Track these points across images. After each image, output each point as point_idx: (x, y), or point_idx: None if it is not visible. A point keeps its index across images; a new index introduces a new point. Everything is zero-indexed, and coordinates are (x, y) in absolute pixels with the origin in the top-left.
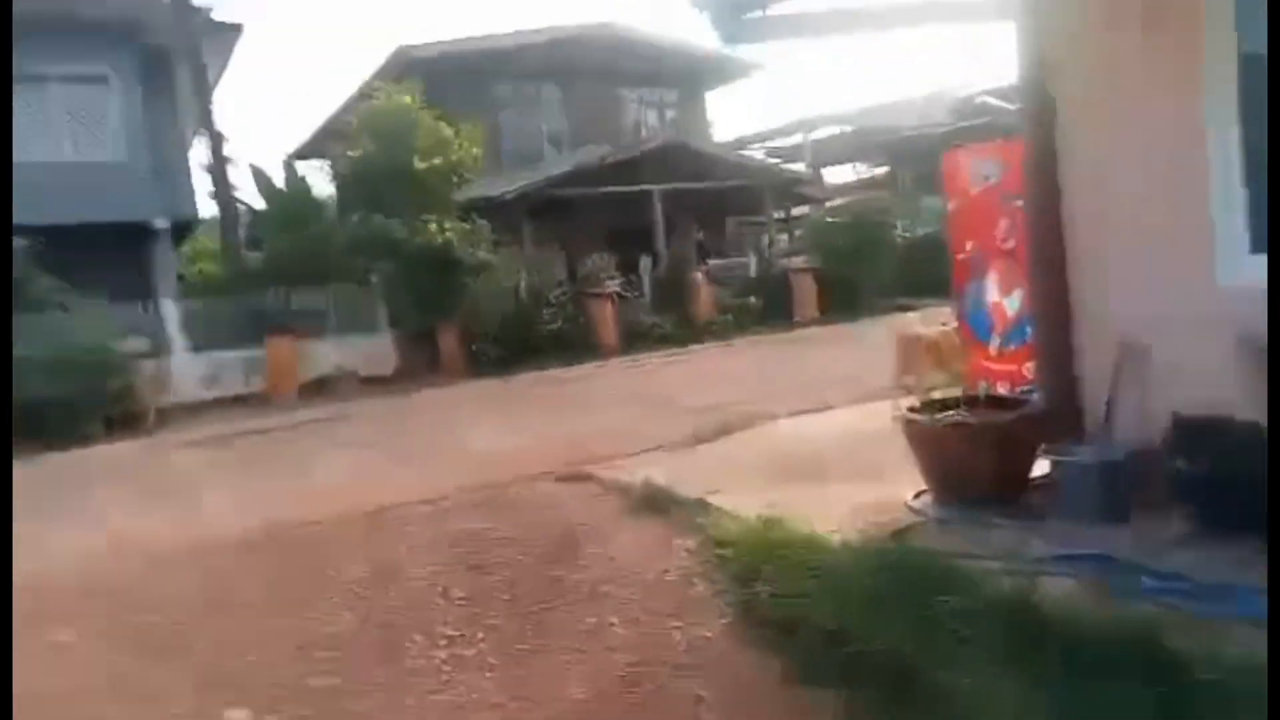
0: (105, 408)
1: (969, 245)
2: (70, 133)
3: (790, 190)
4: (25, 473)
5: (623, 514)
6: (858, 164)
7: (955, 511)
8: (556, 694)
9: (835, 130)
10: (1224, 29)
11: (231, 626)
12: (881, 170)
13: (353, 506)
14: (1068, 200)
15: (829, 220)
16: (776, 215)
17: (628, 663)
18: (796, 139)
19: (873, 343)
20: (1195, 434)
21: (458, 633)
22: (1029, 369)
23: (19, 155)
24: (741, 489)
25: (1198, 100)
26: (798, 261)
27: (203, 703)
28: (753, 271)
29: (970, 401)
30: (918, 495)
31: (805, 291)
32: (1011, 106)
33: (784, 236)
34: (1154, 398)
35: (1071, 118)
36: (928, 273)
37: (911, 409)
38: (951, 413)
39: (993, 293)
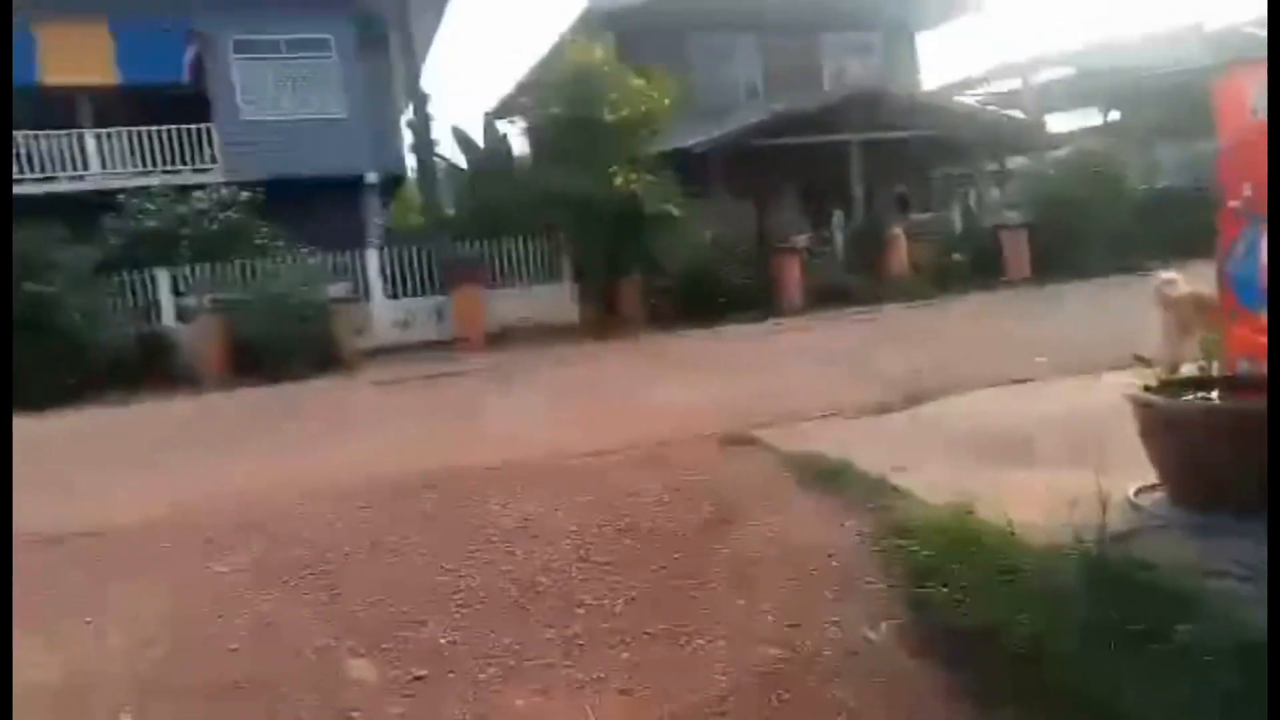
0: (312, 347)
1: (1246, 189)
2: (292, 92)
3: (1005, 139)
4: (231, 404)
5: (791, 486)
6: (1088, 109)
7: (1194, 515)
8: (690, 685)
9: (1060, 73)
10: None
11: (379, 571)
12: (1114, 116)
13: (520, 456)
14: None
15: (1048, 172)
16: (990, 167)
17: (775, 658)
18: (1015, 83)
19: (1093, 306)
20: None
21: (597, 601)
22: None
23: (245, 113)
24: (929, 468)
25: None
26: (1010, 217)
27: (330, 647)
28: (958, 227)
29: (1227, 383)
30: (1142, 491)
31: (1017, 250)
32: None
33: (996, 190)
34: None
35: None
36: (1165, 232)
37: (1148, 388)
38: (1200, 394)
39: (1263, 247)
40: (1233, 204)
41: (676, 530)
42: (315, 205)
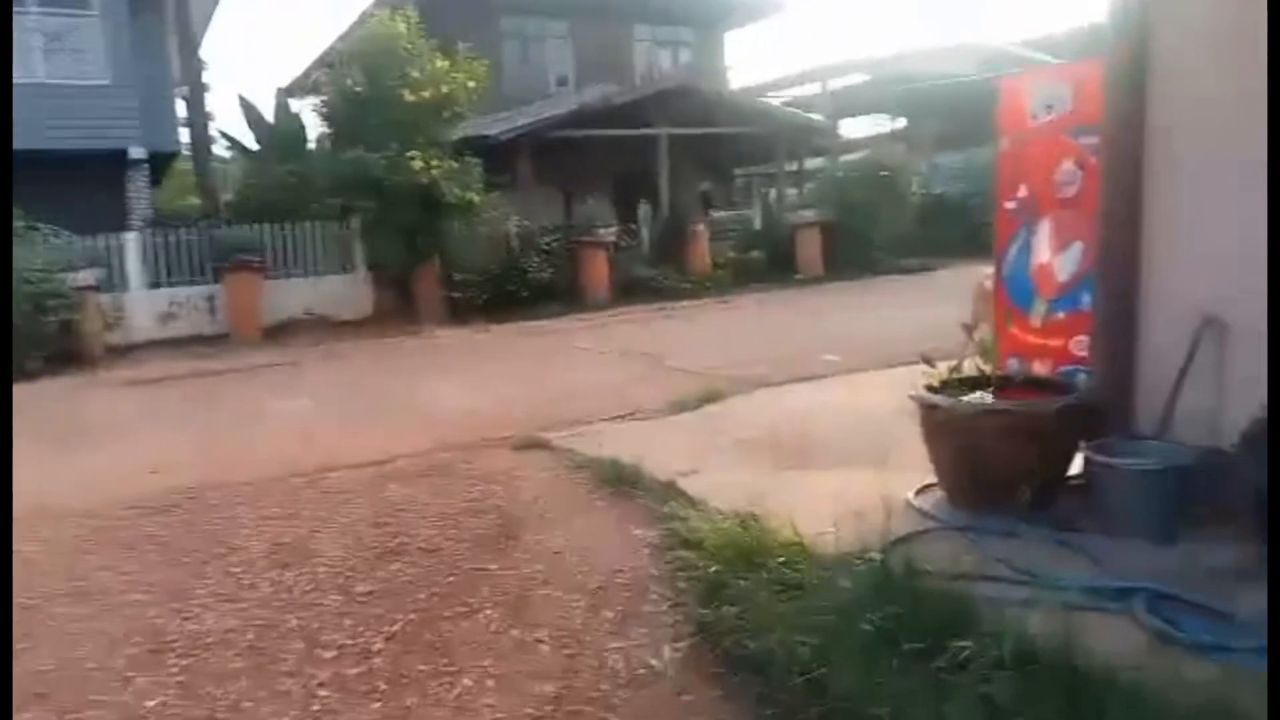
0: (51, 343)
1: (1021, 190)
2: (44, 53)
3: (804, 141)
4: None
5: (580, 494)
6: (877, 116)
7: (970, 516)
8: None
9: (854, 79)
10: None
11: (82, 614)
12: (900, 124)
13: (281, 468)
14: (1153, 140)
15: (841, 174)
16: (789, 167)
17: (549, 696)
18: (815, 88)
19: (881, 302)
20: None
21: (352, 641)
22: (1078, 345)
23: None
24: (722, 470)
25: None
26: (806, 215)
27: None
28: (758, 224)
29: (1002, 382)
30: (921, 490)
31: (810, 247)
32: (1048, 59)
33: (794, 190)
34: (1233, 390)
35: (1172, 40)
36: (942, 233)
37: (930, 388)
38: (978, 395)
39: (1043, 250)
40: (1008, 205)
41: (453, 549)
42: (71, 183)
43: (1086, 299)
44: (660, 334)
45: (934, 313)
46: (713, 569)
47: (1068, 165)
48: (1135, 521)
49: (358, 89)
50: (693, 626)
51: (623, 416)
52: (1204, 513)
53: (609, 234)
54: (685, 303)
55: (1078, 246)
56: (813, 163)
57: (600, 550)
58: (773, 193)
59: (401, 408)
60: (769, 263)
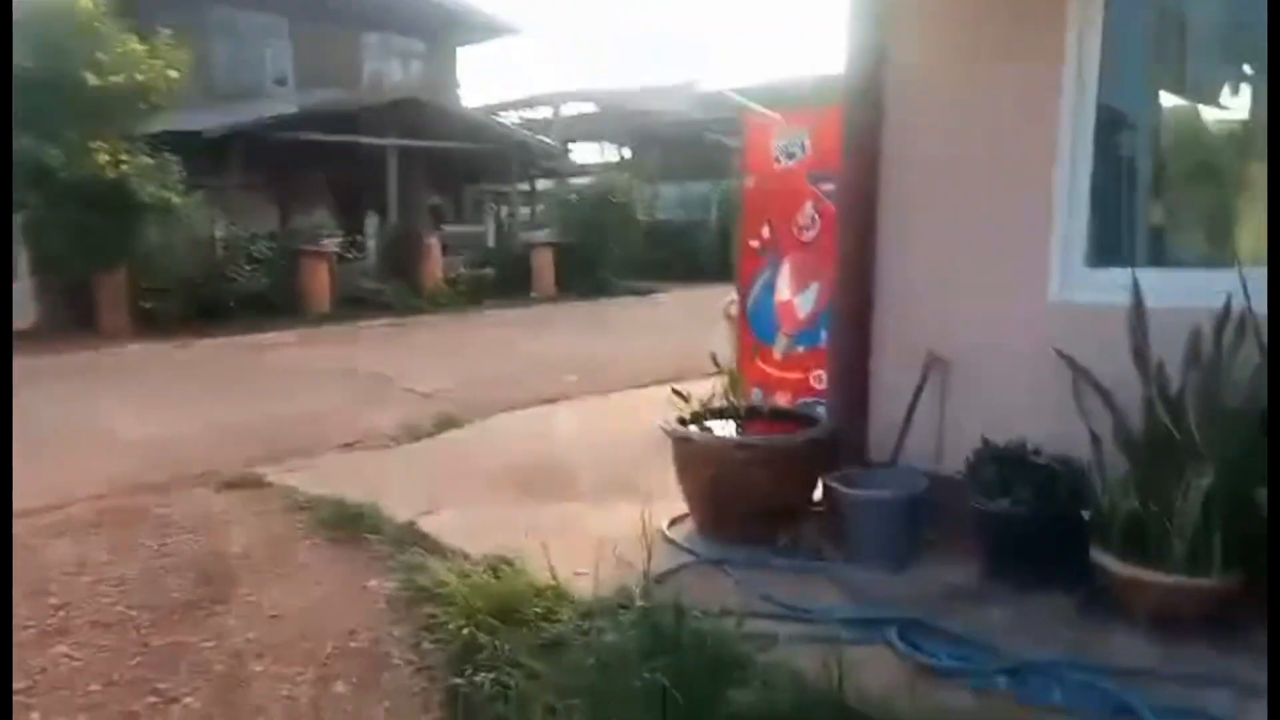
0: None
1: (765, 230)
2: None
3: (536, 162)
4: None
5: (302, 541)
6: (605, 144)
7: (723, 547)
8: None
9: (585, 108)
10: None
11: None
12: (625, 153)
13: None
14: (886, 188)
15: (573, 197)
16: (521, 187)
17: None
18: (546, 112)
19: (614, 322)
20: (1002, 467)
21: None
22: (817, 379)
23: None
24: (467, 506)
25: (1052, 106)
26: (539, 235)
27: None
28: (491, 242)
29: (749, 414)
30: (674, 522)
31: (544, 267)
32: (757, 106)
33: (526, 210)
34: (957, 422)
35: (903, 92)
36: (665, 257)
37: (681, 420)
38: (723, 425)
39: (784, 288)
40: (752, 243)
41: (140, 621)
42: None
43: (824, 335)
44: (390, 352)
45: (663, 336)
46: (463, 627)
47: (807, 209)
48: (874, 548)
49: (26, 65)
50: (444, 697)
51: (351, 445)
52: (934, 538)
53: (332, 244)
54: (416, 319)
55: (816, 286)
56: (543, 184)
57: (329, 610)
58: (505, 211)
59: (75, 439)
60: (503, 281)
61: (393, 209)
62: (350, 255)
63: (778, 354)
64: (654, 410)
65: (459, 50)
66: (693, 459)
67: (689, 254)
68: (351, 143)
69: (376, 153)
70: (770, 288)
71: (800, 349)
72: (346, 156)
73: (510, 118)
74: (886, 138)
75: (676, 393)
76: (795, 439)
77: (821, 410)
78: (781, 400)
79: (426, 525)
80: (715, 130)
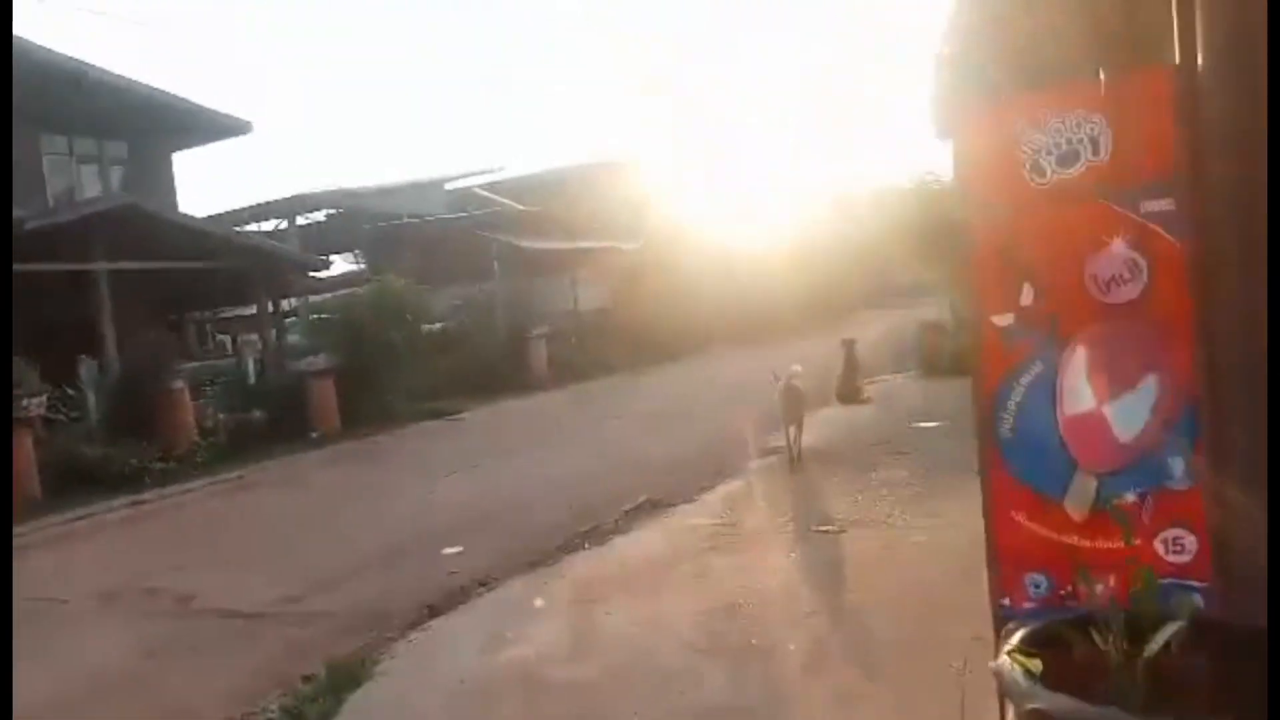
0: None
1: (1026, 295)
2: None
3: (287, 277)
4: None
5: None
6: (355, 251)
7: None
8: None
9: (318, 215)
10: None
11: None
12: (377, 260)
13: None
14: None
15: (337, 314)
16: (273, 308)
17: None
18: (281, 222)
19: (436, 458)
20: None
21: None
22: (1172, 545)
23: None
24: None
25: None
26: (317, 362)
27: None
28: (252, 377)
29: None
30: None
31: (324, 399)
32: (507, 201)
33: (291, 334)
34: None
35: None
36: (456, 372)
37: (1027, 670)
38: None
39: (1081, 392)
40: (999, 322)
41: None
42: None
43: (1178, 466)
44: (152, 548)
45: (510, 465)
46: None
47: (1118, 250)
48: None
49: None
50: None
51: None
52: None
53: (35, 404)
54: (170, 489)
55: (1152, 382)
56: (292, 300)
57: None
58: (257, 338)
59: None
60: (274, 423)
61: (110, 348)
62: (64, 416)
63: (1075, 508)
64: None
65: (176, 155)
66: None
67: (482, 366)
68: (46, 270)
69: (82, 280)
70: (1047, 394)
71: (1128, 495)
72: (42, 288)
73: (244, 229)
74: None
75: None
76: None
77: (1196, 599)
78: (1099, 586)
79: None
80: (480, 227)
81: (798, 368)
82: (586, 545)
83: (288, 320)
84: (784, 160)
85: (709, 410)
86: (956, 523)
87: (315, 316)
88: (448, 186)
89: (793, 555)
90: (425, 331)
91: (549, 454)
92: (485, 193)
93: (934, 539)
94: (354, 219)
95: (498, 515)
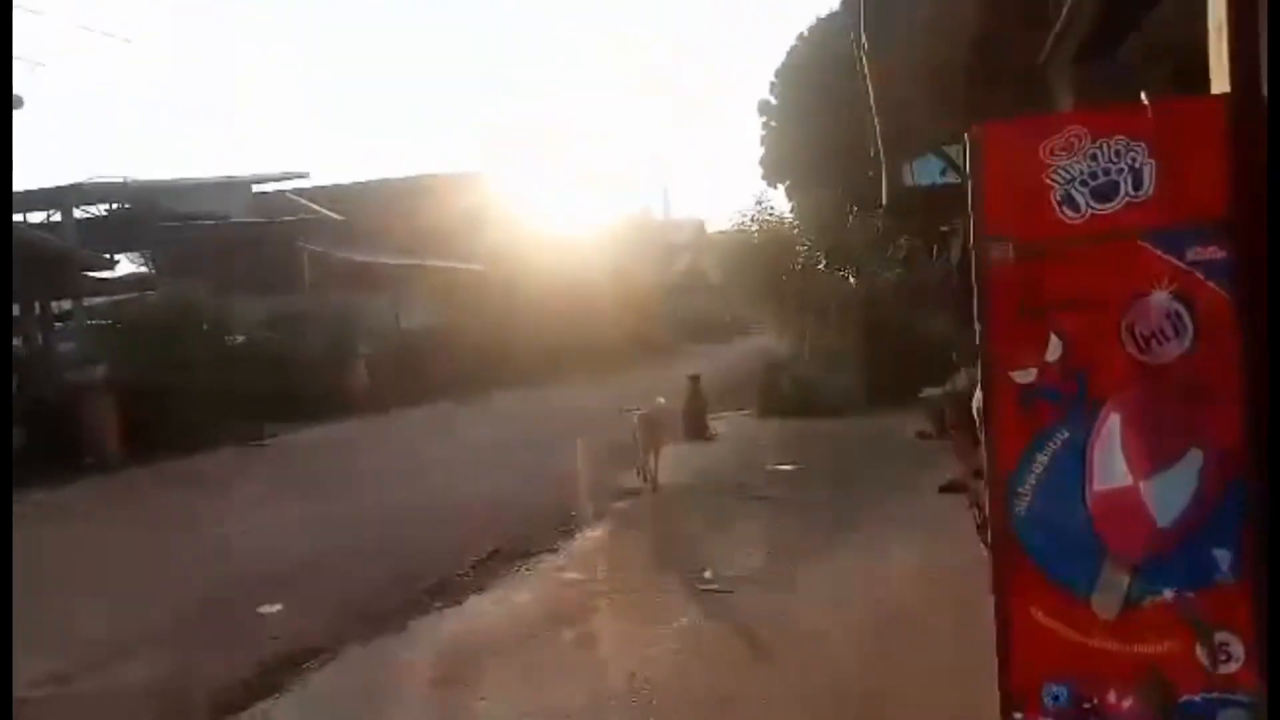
0: None
1: (1053, 350)
2: None
3: (57, 276)
4: None
5: None
6: (144, 253)
7: None
8: None
9: (111, 207)
10: None
11: None
12: (169, 263)
13: None
14: None
15: (121, 323)
16: (39, 309)
17: None
18: (54, 213)
19: (240, 492)
20: None
21: None
22: (1218, 654)
23: None
24: None
25: None
26: (94, 374)
27: None
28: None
29: None
30: None
31: (103, 419)
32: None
33: (66, 343)
34: None
35: None
36: (263, 391)
37: None
38: None
39: (1114, 466)
40: (1020, 379)
41: None
42: None
43: (1224, 557)
44: None
45: (327, 501)
46: None
47: (1159, 300)
48: None
49: None
50: None
51: None
52: None
53: None
54: None
55: (1195, 455)
56: (65, 303)
57: None
58: (20, 344)
59: None
60: (36, 446)
61: None
62: None
63: (1104, 605)
64: None
65: None
66: None
67: (294, 385)
68: None
69: None
70: (1074, 467)
71: (1166, 591)
72: None
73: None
74: None
75: None
76: None
77: (1243, 716)
78: (1128, 702)
79: None
80: (290, 235)
81: (661, 400)
82: (436, 604)
83: (60, 326)
84: (611, 190)
85: (549, 442)
86: (848, 585)
87: (95, 323)
88: (254, 189)
89: (684, 620)
90: (227, 344)
91: (373, 488)
92: (296, 198)
93: (834, 602)
94: (143, 216)
95: (320, 564)
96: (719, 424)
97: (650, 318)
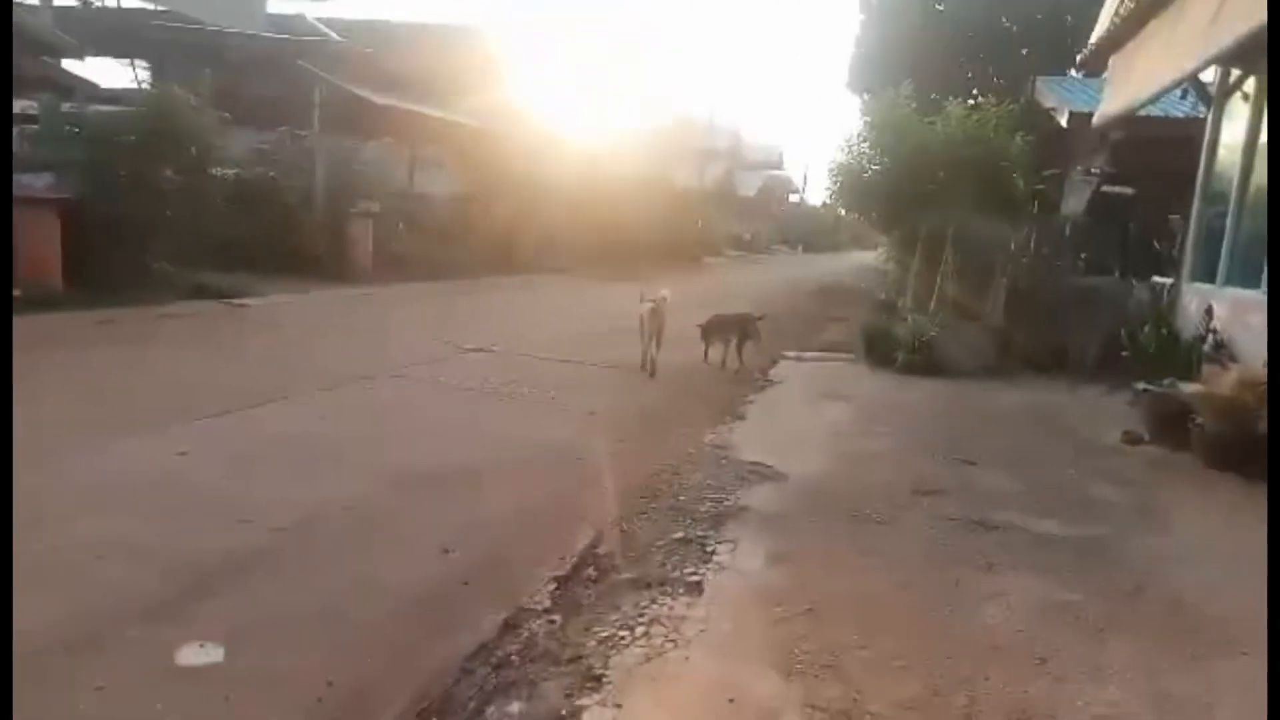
0: None
1: None
2: None
3: (19, 60)
4: None
5: None
6: (135, 61)
7: None
8: None
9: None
10: None
11: None
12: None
13: None
14: None
15: (91, 128)
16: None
17: None
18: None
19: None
20: None
21: None
22: None
23: None
24: None
25: None
26: (33, 183)
27: None
28: None
29: None
30: None
31: (42, 241)
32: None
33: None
34: None
35: None
36: (246, 235)
37: None
38: None
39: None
40: None
41: None
42: None
43: None
44: None
45: (315, 407)
46: None
47: None
48: None
49: None
50: None
51: None
52: None
53: None
54: None
55: None
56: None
57: None
58: None
59: None
60: None
61: None
62: None
63: None
64: None
65: None
66: None
67: (284, 235)
68: None
69: None
70: None
71: None
72: None
73: None
74: None
75: None
76: None
77: None
78: None
79: None
80: (303, 56)
81: (665, 293)
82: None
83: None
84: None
85: (589, 353)
86: None
87: (69, 129)
88: (270, 8)
89: None
90: (215, 177)
91: (376, 387)
92: (317, 23)
93: None
94: (137, 15)
95: (321, 514)
96: (830, 374)
97: (687, 223)
